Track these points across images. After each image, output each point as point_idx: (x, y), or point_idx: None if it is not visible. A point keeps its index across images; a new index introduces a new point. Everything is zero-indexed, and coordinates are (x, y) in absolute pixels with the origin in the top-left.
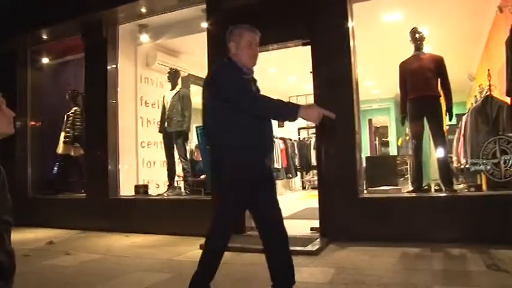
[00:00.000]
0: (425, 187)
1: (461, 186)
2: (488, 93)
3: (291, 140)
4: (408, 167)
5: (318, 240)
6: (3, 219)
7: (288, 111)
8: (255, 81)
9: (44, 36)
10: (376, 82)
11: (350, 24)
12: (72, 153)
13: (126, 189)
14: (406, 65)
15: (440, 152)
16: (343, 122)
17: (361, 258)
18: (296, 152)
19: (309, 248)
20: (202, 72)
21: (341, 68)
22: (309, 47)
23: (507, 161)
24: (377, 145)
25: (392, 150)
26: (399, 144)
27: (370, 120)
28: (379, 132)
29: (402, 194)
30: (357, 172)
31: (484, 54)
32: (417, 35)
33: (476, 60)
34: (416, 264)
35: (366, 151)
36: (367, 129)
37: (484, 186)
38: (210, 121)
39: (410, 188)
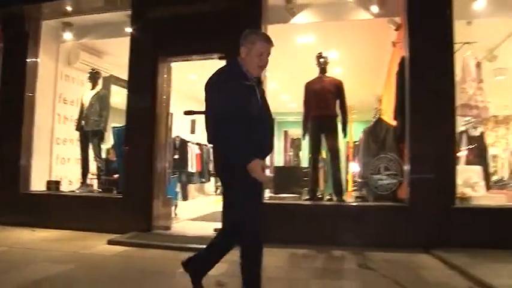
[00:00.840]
0: (320, 196)
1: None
2: (378, 116)
3: (206, 145)
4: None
5: None
6: None
7: (237, 158)
8: (259, 84)
9: None
10: (292, 96)
11: None
12: None
13: (38, 185)
14: (310, 85)
15: (333, 166)
16: None
17: None
18: (211, 157)
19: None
20: (124, 73)
21: None
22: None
23: (389, 177)
24: (291, 156)
25: (304, 162)
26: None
27: (286, 132)
28: (296, 144)
29: (297, 202)
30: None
31: (386, 81)
32: (321, 60)
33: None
34: (301, 262)
35: (279, 161)
36: (282, 140)
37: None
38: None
39: (307, 196)
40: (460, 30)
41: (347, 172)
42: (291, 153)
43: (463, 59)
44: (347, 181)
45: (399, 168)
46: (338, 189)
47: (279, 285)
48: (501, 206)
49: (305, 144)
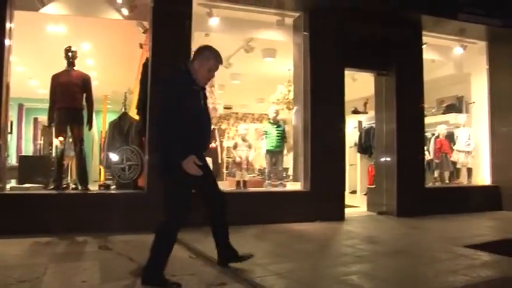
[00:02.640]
0: (65, 185)
1: None
2: (123, 110)
3: None
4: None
5: None
6: None
7: (176, 154)
8: (203, 90)
9: None
10: (43, 82)
11: (8, 26)
12: None
13: None
14: (57, 78)
15: (78, 156)
16: None
17: None
18: None
19: None
20: None
21: None
22: None
23: (130, 167)
24: (42, 144)
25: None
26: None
27: (35, 119)
28: (48, 132)
29: (41, 191)
30: None
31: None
32: (70, 53)
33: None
34: (42, 250)
35: (28, 150)
36: (32, 128)
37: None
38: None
39: (52, 186)
40: (200, 41)
41: (100, 161)
42: (41, 142)
43: None
44: (100, 170)
45: (140, 159)
46: (82, 177)
47: (17, 272)
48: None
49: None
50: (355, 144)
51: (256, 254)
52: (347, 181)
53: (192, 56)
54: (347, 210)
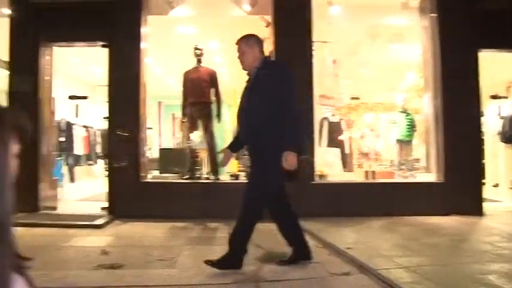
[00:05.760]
0: (198, 175)
1: None
2: None
3: (93, 128)
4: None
5: (106, 217)
6: None
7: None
8: (248, 79)
9: None
10: (178, 80)
11: (143, 31)
12: None
13: None
14: (187, 75)
15: (209, 148)
16: (131, 114)
17: (138, 230)
18: (98, 140)
19: (96, 222)
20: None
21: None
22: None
23: None
24: (181, 138)
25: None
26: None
27: (173, 115)
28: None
29: (177, 180)
30: (141, 161)
31: None
32: (197, 51)
33: None
34: (179, 233)
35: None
36: (171, 123)
37: None
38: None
39: (187, 176)
40: (322, 31)
41: None
42: (179, 136)
43: (321, 55)
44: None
45: None
46: (214, 168)
47: (157, 252)
48: (352, 181)
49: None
50: (499, 132)
51: (383, 246)
52: (488, 173)
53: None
54: (488, 205)
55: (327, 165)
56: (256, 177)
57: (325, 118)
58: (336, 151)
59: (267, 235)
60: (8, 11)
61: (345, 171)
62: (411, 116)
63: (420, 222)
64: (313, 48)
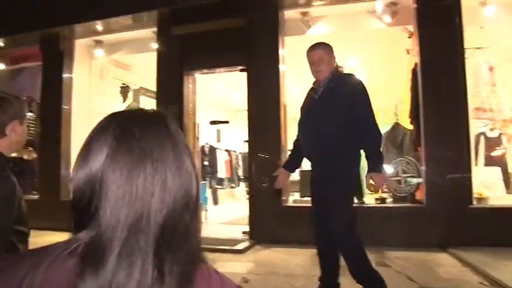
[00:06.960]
0: None
1: None
2: (395, 121)
3: (235, 151)
4: None
5: (247, 242)
6: (17, 230)
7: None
8: (316, 90)
9: (2, 44)
10: None
11: (281, 53)
12: (25, 157)
13: None
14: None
15: None
16: (272, 136)
17: (279, 256)
18: (240, 163)
19: (237, 247)
20: (151, 85)
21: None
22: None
23: (406, 180)
24: None
25: None
26: None
27: None
28: None
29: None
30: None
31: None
32: (338, 69)
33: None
34: None
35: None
36: None
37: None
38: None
39: None
40: (473, 35)
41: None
42: None
43: (475, 63)
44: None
45: (417, 170)
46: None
47: (300, 281)
48: None
49: None
50: None
51: None
52: None
53: None
54: None
55: (487, 186)
56: (340, 208)
57: (482, 133)
58: (497, 170)
59: (422, 267)
60: (155, 46)
61: (507, 193)
62: None
63: None
64: (465, 56)
